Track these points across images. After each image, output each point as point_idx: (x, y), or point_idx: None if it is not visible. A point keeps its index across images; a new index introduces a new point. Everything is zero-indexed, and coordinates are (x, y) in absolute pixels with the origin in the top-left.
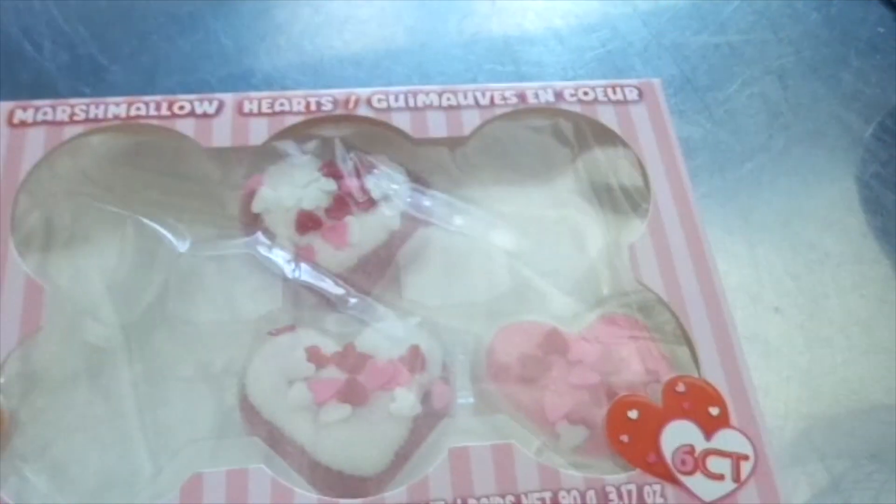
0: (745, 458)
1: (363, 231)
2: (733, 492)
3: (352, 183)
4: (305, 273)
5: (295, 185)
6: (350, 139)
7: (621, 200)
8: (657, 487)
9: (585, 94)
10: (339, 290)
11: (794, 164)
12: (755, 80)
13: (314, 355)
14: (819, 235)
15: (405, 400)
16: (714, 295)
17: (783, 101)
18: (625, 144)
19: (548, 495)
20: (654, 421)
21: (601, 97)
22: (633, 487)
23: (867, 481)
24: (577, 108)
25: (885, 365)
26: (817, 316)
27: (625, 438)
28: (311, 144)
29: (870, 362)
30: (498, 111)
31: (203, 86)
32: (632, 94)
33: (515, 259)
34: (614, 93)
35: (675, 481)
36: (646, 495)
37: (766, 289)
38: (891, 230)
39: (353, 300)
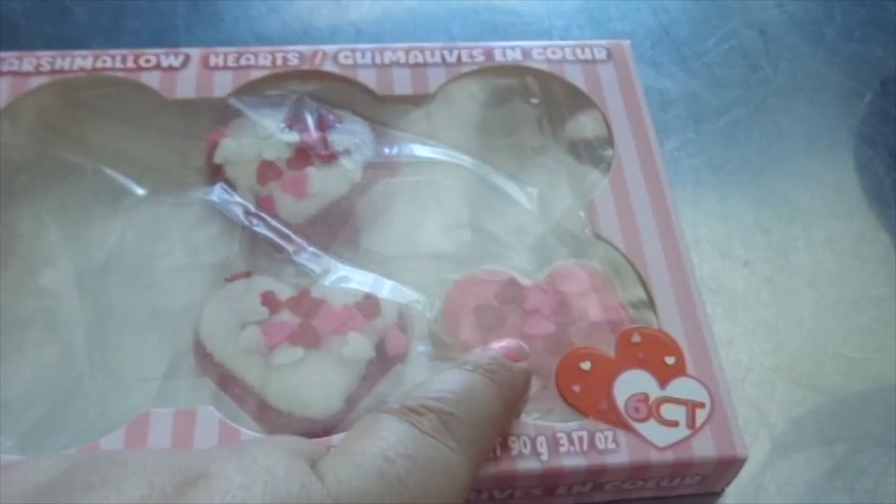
0: (701, 405)
1: (324, 182)
2: (687, 438)
3: (314, 135)
4: (264, 222)
5: (257, 137)
6: (315, 94)
7: (585, 157)
8: (609, 434)
9: (553, 53)
10: (298, 240)
11: (770, 118)
12: (735, 33)
13: (268, 300)
14: (792, 189)
15: (358, 344)
16: (676, 248)
17: (763, 55)
18: (591, 103)
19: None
20: (607, 371)
21: (569, 57)
22: (584, 434)
23: (829, 431)
24: (545, 67)
25: (853, 319)
26: (786, 270)
27: (577, 389)
28: (275, 98)
29: (837, 316)
30: (465, 69)
31: (170, 29)
32: (600, 55)
33: (479, 212)
34: (583, 52)
35: (627, 427)
36: (597, 441)
37: (736, 242)
38: (866, 185)
39: (311, 250)
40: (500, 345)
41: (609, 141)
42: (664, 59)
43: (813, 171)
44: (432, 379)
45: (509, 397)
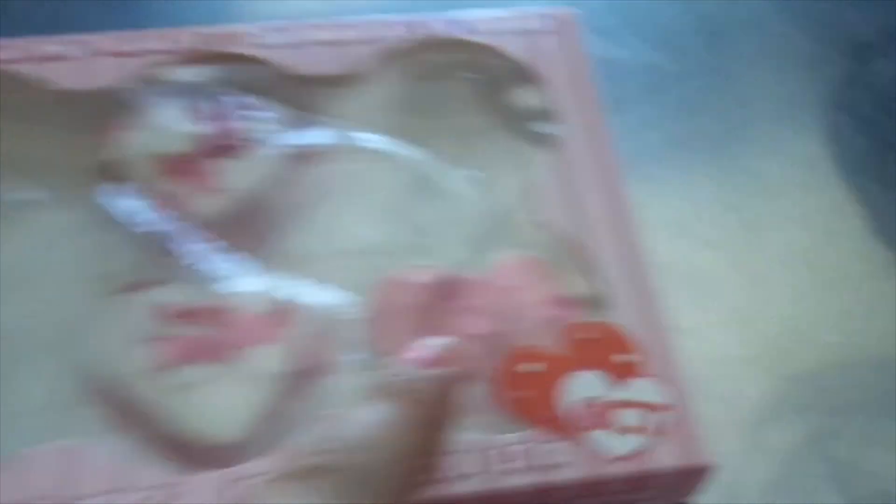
0: (661, 408)
1: (234, 176)
2: (645, 446)
3: (223, 125)
4: (165, 224)
5: (157, 129)
6: (225, 79)
7: (528, 137)
8: (556, 445)
9: (492, 24)
10: (204, 242)
11: (733, 86)
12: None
13: (167, 312)
14: (760, 162)
15: (270, 357)
16: (628, 233)
17: (723, 17)
18: (535, 78)
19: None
20: (552, 373)
21: (510, 28)
22: (527, 447)
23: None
24: (483, 41)
25: (830, 302)
26: (756, 250)
27: (519, 395)
28: (179, 85)
29: (813, 300)
30: (395, 46)
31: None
32: (545, 25)
33: (411, 202)
34: (525, 23)
35: (576, 437)
36: (543, 454)
37: (700, 222)
38: (839, 156)
39: (218, 252)
40: (415, 354)
41: (553, 117)
42: (617, 27)
43: (782, 142)
44: (330, 422)
45: (431, 416)
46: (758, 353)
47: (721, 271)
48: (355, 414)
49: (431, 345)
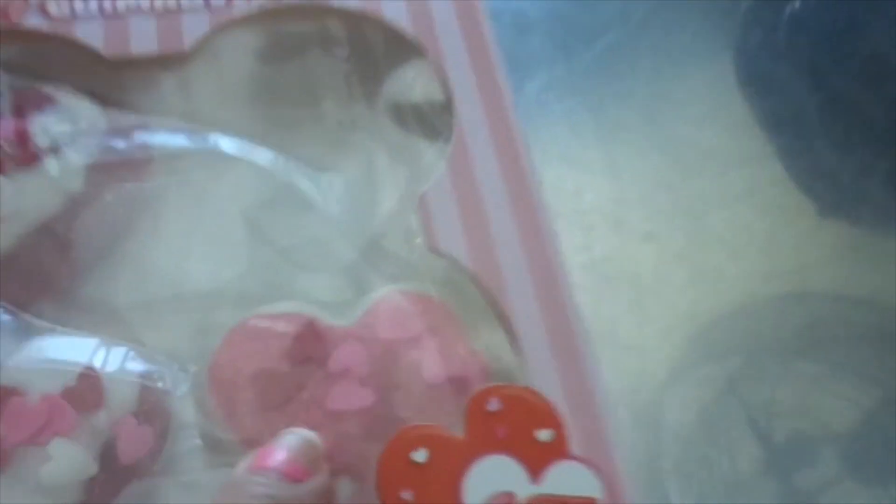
0: (591, 502)
1: (19, 198)
2: None
3: (6, 126)
4: None
5: None
6: (11, 64)
7: (415, 129)
8: None
9: None
10: None
11: (657, 39)
12: None
13: None
14: (695, 130)
15: (65, 457)
16: (544, 256)
17: None
18: (421, 51)
19: None
20: (452, 462)
21: None
22: None
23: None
24: (355, 4)
25: (793, 294)
26: (700, 238)
27: (407, 495)
28: None
29: (772, 292)
30: (237, 13)
31: None
32: None
33: (263, 223)
34: None
35: None
36: None
37: (633, 208)
38: (782, 114)
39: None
40: (272, 460)
41: (447, 104)
42: None
43: (718, 104)
44: None
45: None
46: (714, 371)
47: (662, 267)
48: None
49: (291, 444)
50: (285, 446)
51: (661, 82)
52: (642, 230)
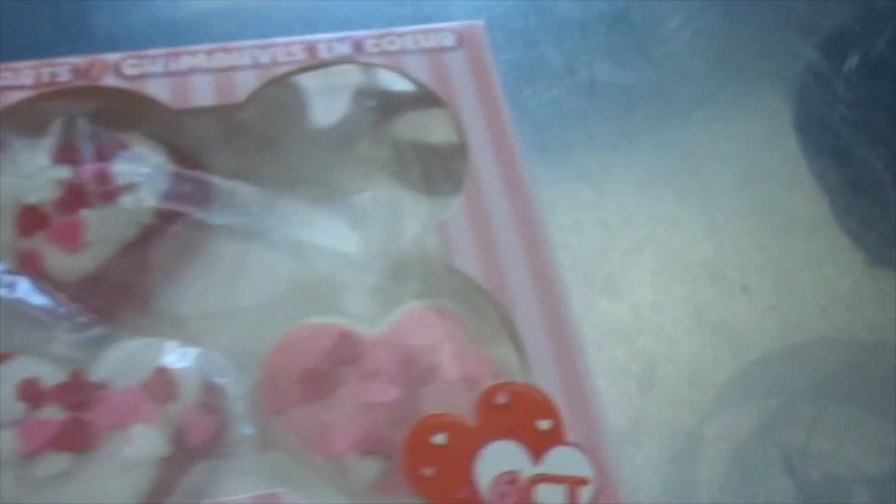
0: (583, 482)
1: (103, 227)
2: None
3: (91, 168)
4: (28, 286)
5: (16, 176)
6: (94, 116)
7: (435, 170)
8: None
9: (391, 42)
10: (72, 305)
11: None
12: (697, 14)
13: (28, 391)
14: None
15: (145, 440)
16: (547, 278)
17: (731, 35)
18: (439, 102)
19: None
20: (466, 445)
21: (410, 46)
22: None
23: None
24: (380, 61)
25: (839, 339)
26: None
27: (428, 472)
28: (40, 124)
29: (814, 337)
30: (282, 70)
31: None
32: (448, 41)
33: (304, 250)
34: (426, 40)
35: None
36: None
37: (731, 265)
38: (865, 183)
39: (88, 316)
40: None
41: (462, 148)
42: (620, 47)
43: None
44: None
45: None
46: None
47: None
48: None
49: None
50: None
51: (753, 148)
52: (738, 284)
